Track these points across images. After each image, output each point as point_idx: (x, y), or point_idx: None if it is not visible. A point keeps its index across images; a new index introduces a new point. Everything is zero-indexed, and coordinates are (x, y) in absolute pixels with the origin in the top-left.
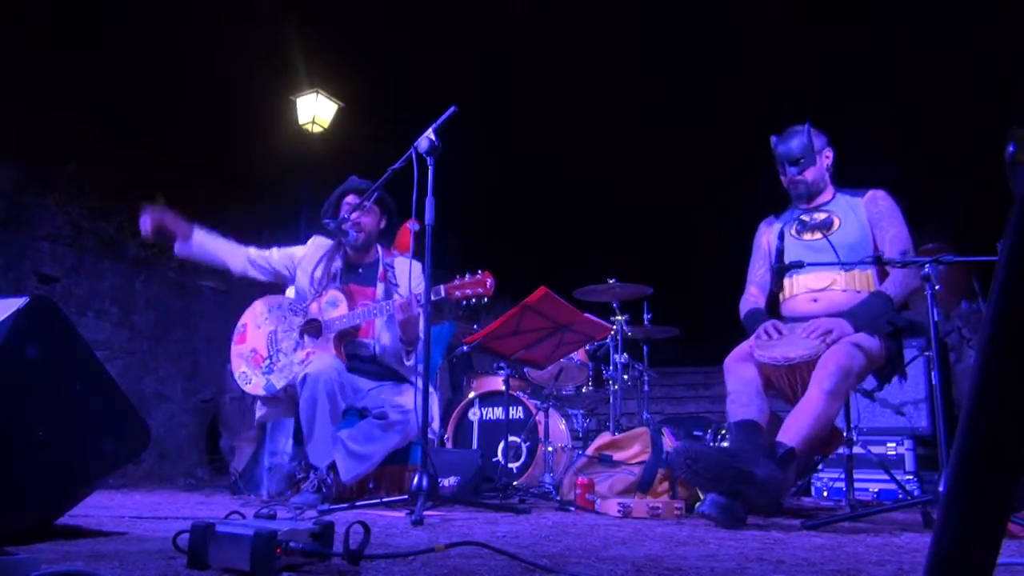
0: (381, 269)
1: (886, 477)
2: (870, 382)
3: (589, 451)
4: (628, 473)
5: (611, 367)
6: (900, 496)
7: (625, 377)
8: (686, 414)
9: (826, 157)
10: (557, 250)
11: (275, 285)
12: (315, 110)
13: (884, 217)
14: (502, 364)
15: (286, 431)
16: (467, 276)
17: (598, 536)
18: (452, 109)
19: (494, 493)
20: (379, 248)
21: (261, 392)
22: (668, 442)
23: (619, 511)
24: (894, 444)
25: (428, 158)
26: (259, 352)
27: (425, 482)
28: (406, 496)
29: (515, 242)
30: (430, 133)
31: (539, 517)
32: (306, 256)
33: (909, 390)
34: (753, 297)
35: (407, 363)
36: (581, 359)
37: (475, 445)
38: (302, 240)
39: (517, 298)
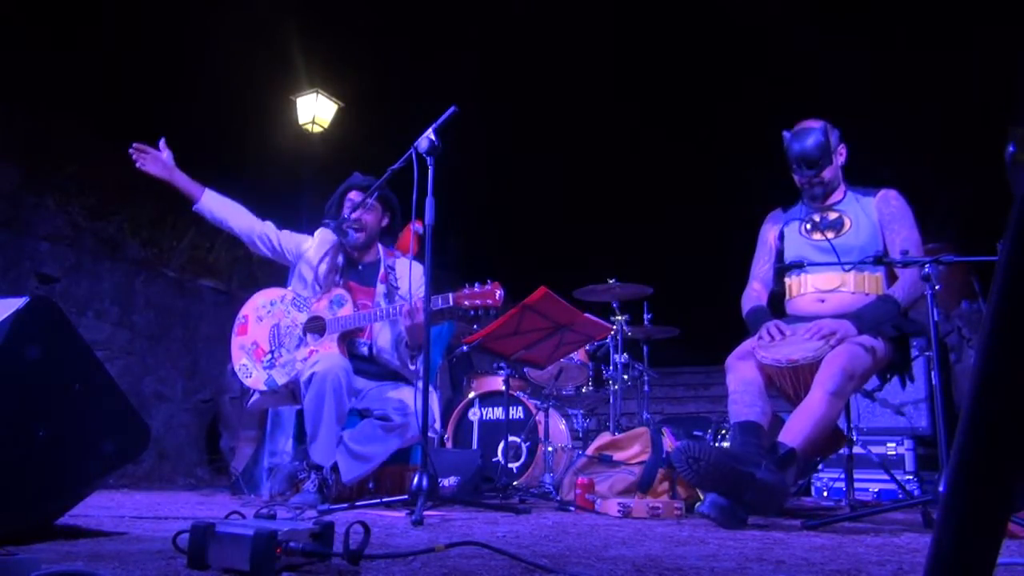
0: (382, 271)
1: (886, 477)
2: (871, 382)
3: (589, 451)
4: (628, 473)
5: (611, 367)
6: (900, 496)
7: (625, 377)
8: (686, 414)
9: (840, 154)
10: (557, 250)
11: (274, 281)
12: (315, 110)
13: (896, 219)
14: (502, 364)
15: (286, 431)
16: (476, 286)
17: (598, 536)
18: (452, 109)
19: (494, 493)
20: (380, 247)
21: (262, 387)
22: (668, 442)
23: (619, 511)
24: (894, 444)
25: (428, 158)
26: (261, 346)
27: (425, 482)
28: (406, 496)
29: (515, 242)
30: (430, 133)
31: (539, 517)
32: (312, 248)
33: (909, 390)
34: (755, 293)
35: (411, 367)
36: (581, 359)
37: (475, 445)
38: None
39: (517, 298)
